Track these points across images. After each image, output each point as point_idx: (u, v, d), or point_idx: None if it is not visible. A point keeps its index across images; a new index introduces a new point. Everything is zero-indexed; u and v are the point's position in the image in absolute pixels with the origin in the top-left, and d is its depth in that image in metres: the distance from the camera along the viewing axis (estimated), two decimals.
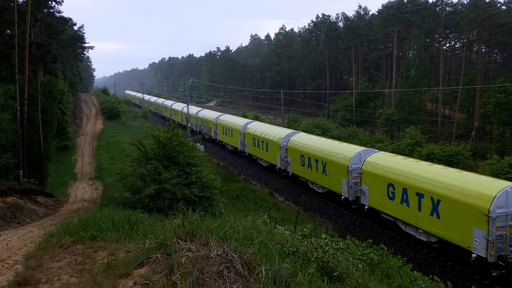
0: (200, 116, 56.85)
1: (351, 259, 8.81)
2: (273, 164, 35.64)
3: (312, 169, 29.00)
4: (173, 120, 66.04)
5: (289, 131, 35.81)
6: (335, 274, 6.68)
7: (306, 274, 5.44)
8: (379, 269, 9.39)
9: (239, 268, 4.73)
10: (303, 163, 30.22)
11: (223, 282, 4.44)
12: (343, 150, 26.36)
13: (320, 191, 28.90)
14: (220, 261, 4.76)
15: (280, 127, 42.09)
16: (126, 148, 44.97)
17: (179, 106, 71.06)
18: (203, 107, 73.94)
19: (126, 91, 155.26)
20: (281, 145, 33.35)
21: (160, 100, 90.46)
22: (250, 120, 45.92)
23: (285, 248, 7.00)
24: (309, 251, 7.20)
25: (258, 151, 38.52)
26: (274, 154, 34.77)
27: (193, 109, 61.44)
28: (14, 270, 7.69)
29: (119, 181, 18.28)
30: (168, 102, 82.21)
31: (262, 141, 37.24)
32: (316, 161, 28.26)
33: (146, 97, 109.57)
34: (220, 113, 53.75)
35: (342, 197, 25.64)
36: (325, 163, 27.18)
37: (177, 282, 4.32)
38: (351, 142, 36.09)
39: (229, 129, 45.88)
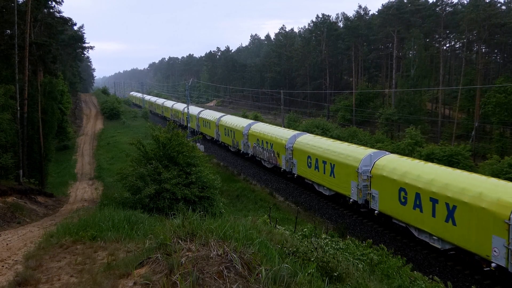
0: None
1: (351, 259, 8.81)
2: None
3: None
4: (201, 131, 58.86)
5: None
6: (335, 274, 6.68)
7: (306, 274, 5.44)
8: (379, 269, 9.39)
9: (239, 268, 4.73)
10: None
11: (223, 282, 4.44)
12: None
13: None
14: (220, 261, 4.76)
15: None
16: (126, 148, 44.95)
17: (193, 110, 62.66)
18: (204, 107, 73.93)
19: (131, 93, 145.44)
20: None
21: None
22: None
23: (285, 248, 7.00)
24: (309, 251, 7.20)
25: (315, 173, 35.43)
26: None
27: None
28: (14, 270, 7.69)
29: (119, 181, 18.28)
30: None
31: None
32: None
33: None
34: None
35: (351, 200, 24.72)
36: (334, 164, 26.15)
37: (177, 282, 4.32)
38: (352, 142, 35.97)
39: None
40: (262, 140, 37.26)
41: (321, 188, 28.89)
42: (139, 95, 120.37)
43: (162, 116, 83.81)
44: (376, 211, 22.95)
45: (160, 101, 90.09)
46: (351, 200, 24.66)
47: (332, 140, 32.09)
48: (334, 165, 26.32)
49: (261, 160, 37.88)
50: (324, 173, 27.61)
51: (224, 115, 50.53)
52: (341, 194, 26.28)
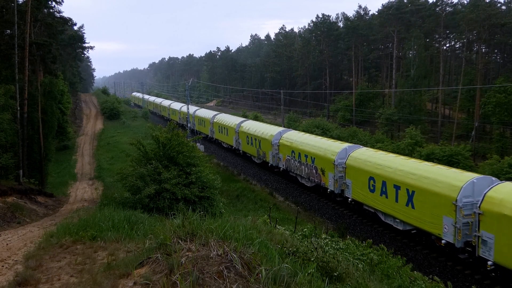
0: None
1: (351, 259, 8.80)
2: (321, 185, 29.42)
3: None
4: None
5: (280, 129, 36.90)
6: (335, 274, 6.67)
7: (306, 274, 5.43)
8: (379, 269, 9.39)
9: (239, 268, 4.73)
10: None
11: (223, 282, 4.44)
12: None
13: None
14: (220, 261, 4.76)
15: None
16: (126, 148, 45.01)
17: (206, 113, 57.37)
18: (204, 107, 73.86)
19: (134, 93, 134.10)
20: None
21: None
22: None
23: (285, 248, 6.99)
24: (309, 251, 7.20)
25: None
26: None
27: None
28: (14, 270, 7.69)
29: (119, 181, 18.29)
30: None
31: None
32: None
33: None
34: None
35: (328, 190, 27.27)
36: (314, 158, 28.67)
37: (177, 282, 4.32)
38: (350, 142, 36.21)
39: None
40: (300, 153, 31.12)
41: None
42: (143, 96, 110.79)
43: (169, 120, 71.02)
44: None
45: (166, 102, 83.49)
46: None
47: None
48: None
49: (297, 176, 32.06)
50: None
51: (245, 120, 44.67)
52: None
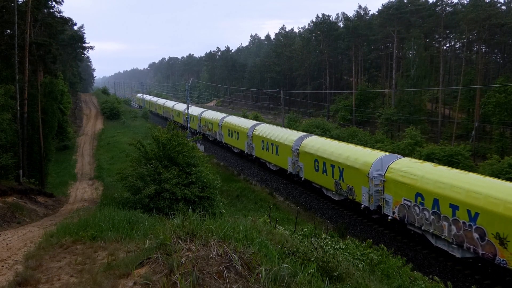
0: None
1: (351, 259, 8.81)
2: (283, 168, 33.20)
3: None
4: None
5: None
6: (335, 274, 6.68)
7: (306, 274, 5.43)
8: (379, 269, 9.39)
9: (239, 268, 4.73)
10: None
11: (223, 282, 4.44)
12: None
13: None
14: (220, 261, 4.76)
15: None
16: (126, 148, 45.00)
17: (217, 116, 53.60)
18: (203, 107, 73.79)
19: (138, 95, 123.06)
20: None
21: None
22: (258, 122, 43.59)
23: (285, 248, 7.00)
24: (309, 251, 7.20)
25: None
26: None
27: (219, 115, 53.42)
28: (14, 270, 7.69)
29: (119, 181, 18.29)
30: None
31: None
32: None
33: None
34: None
35: (362, 206, 24.14)
36: (343, 169, 25.62)
37: (177, 282, 4.32)
38: (351, 143, 35.75)
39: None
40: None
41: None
42: (150, 98, 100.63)
43: (183, 125, 62.43)
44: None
45: (172, 105, 76.61)
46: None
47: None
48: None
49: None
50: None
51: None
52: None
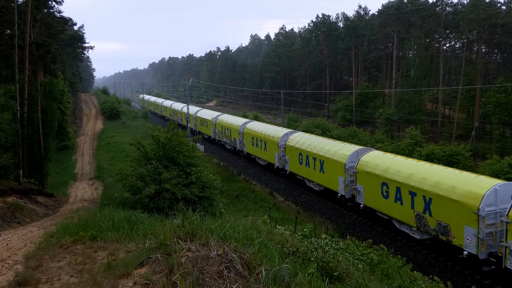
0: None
1: (351, 259, 8.81)
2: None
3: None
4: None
5: (287, 130, 36.48)
6: (335, 274, 6.68)
7: (306, 274, 5.44)
8: (379, 269, 9.39)
9: (239, 268, 4.73)
10: (301, 161, 30.73)
11: (223, 282, 4.44)
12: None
13: (317, 189, 29.67)
14: (220, 261, 4.76)
15: (278, 127, 42.08)
16: (126, 148, 44.99)
17: (235, 120, 48.01)
18: (203, 107, 73.75)
19: (141, 96, 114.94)
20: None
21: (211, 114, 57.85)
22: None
23: (285, 248, 7.00)
24: (309, 251, 7.20)
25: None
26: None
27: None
28: (14, 270, 7.69)
29: (119, 181, 18.29)
30: (233, 119, 49.47)
31: (261, 140, 37.55)
32: (314, 159, 28.99)
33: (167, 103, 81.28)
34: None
35: (339, 194, 26.33)
36: (323, 161, 27.83)
37: (177, 282, 4.32)
38: (351, 142, 36.00)
39: (227, 129, 46.16)
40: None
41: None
42: (155, 100, 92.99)
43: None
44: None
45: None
46: (339, 195, 26.60)
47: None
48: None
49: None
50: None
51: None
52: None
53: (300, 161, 30.76)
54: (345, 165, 25.02)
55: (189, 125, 57.48)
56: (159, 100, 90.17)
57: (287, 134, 34.11)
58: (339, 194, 26.16)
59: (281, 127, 41.43)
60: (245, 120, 46.30)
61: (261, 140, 37.58)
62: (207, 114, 55.79)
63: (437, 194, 18.52)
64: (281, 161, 33.62)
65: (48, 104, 32.10)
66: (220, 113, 54.64)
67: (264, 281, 4.57)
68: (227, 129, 46.12)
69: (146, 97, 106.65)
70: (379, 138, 52.83)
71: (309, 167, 29.42)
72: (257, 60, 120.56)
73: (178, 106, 72.35)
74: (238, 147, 43.25)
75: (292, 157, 32.04)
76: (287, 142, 32.97)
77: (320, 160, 28.09)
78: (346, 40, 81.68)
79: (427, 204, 19.07)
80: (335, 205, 27.81)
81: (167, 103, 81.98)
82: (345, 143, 29.40)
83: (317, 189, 29.44)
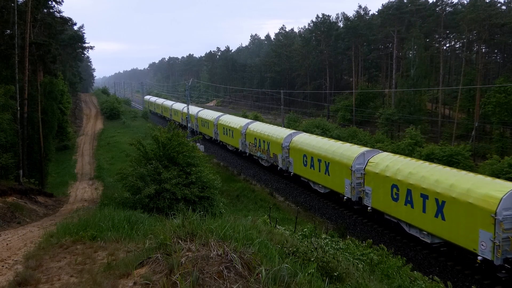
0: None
1: (351, 259, 8.81)
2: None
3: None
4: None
5: (290, 131, 35.97)
6: (335, 274, 6.67)
7: (306, 274, 5.43)
8: (379, 269, 9.38)
9: (239, 268, 4.73)
10: (305, 163, 30.30)
11: (223, 282, 4.44)
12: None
13: (322, 192, 29.03)
14: (220, 261, 4.76)
15: (282, 127, 41.97)
16: (126, 148, 45.00)
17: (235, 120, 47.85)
18: (204, 107, 73.70)
19: (146, 97, 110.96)
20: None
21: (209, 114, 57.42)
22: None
23: (285, 248, 6.99)
24: (309, 251, 7.20)
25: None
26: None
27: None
28: (14, 270, 7.68)
29: (119, 181, 18.29)
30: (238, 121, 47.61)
31: (264, 141, 37.23)
32: (319, 161, 28.29)
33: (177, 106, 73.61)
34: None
35: (345, 197, 25.69)
36: (328, 163, 27.21)
37: (177, 282, 4.31)
38: (351, 142, 35.95)
39: (229, 130, 45.66)
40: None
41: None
42: (163, 102, 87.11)
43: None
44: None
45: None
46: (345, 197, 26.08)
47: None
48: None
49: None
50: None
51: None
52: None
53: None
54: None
55: (189, 125, 57.47)
56: (160, 100, 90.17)
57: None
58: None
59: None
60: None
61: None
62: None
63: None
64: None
65: (48, 104, 32.10)
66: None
67: (264, 281, 4.57)
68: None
69: (153, 98, 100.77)
70: (379, 138, 52.81)
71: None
72: (257, 60, 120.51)
73: (179, 106, 71.85)
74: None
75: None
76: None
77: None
78: (346, 40, 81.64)
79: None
80: (339, 207, 27.78)
81: (168, 103, 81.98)
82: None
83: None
